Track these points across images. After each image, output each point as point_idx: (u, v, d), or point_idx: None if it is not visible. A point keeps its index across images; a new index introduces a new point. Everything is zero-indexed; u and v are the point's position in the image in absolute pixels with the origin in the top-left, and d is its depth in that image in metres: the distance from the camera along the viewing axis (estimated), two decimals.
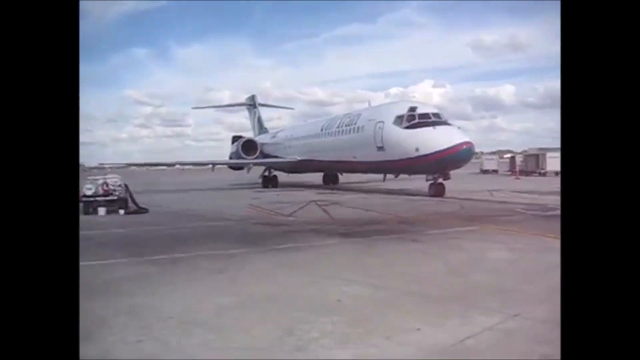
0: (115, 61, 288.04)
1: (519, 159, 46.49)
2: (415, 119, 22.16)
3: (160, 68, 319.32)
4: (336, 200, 21.24)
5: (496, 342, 4.47)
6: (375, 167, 25.68)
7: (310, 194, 25.90)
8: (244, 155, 37.52)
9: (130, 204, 18.75)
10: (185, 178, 55.96)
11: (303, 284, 6.90)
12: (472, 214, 15.21)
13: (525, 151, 56.01)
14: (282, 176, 37.86)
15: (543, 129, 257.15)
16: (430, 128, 21.47)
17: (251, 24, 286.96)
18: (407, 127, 22.17)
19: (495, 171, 52.10)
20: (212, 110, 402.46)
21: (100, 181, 18.49)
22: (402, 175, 26.33)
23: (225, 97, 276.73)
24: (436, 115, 22.49)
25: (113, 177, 19.04)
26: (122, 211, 18.09)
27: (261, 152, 38.46)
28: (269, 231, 12.45)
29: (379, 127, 23.61)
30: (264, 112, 50.90)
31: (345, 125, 27.87)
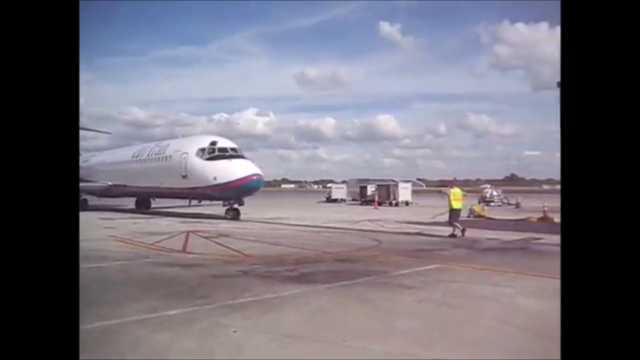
0: None
1: (370, 189, 46.60)
2: (215, 152, 25.17)
3: None
4: (218, 231, 18.17)
5: None
6: (180, 193, 28.31)
7: (164, 222, 24.02)
8: None
9: None
10: None
11: None
12: (405, 249, 13.34)
13: (361, 180, 56.66)
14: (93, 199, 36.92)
15: (361, 161, 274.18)
16: (227, 160, 24.67)
17: None
18: (208, 159, 25.06)
19: (343, 200, 51.82)
20: None
21: None
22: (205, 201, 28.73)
23: None
24: (234, 149, 25.73)
25: None
26: None
27: None
28: (189, 276, 9.27)
29: (184, 158, 26.19)
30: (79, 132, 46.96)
31: (155, 154, 30.03)
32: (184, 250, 13.20)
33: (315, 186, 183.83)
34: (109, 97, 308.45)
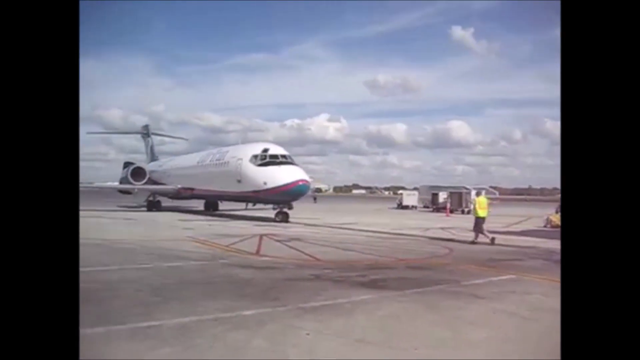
0: None
1: (442, 196, 45.91)
2: (266, 159, 26.74)
3: None
4: (290, 235, 18.44)
5: None
6: (235, 197, 30.27)
7: (239, 225, 24.40)
8: (132, 181, 40.64)
9: None
10: None
11: None
12: (478, 258, 13.08)
13: (435, 187, 55.76)
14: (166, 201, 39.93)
15: (432, 167, 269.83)
16: (277, 167, 26.16)
17: (150, 41, 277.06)
18: (259, 165, 26.72)
19: (414, 207, 51.34)
20: (102, 129, 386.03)
21: None
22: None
23: (115, 116, 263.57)
24: (284, 156, 27.09)
25: None
26: None
27: (149, 178, 41.57)
28: (262, 278, 9.51)
29: (239, 163, 28.02)
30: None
31: (216, 160, 32.34)
32: (257, 253, 13.52)
33: (386, 192, 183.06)
34: (187, 103, 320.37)
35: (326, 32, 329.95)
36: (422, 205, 51.03)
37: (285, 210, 26.14)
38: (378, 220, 30.27)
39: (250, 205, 31.73)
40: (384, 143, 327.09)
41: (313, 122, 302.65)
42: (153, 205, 38.31)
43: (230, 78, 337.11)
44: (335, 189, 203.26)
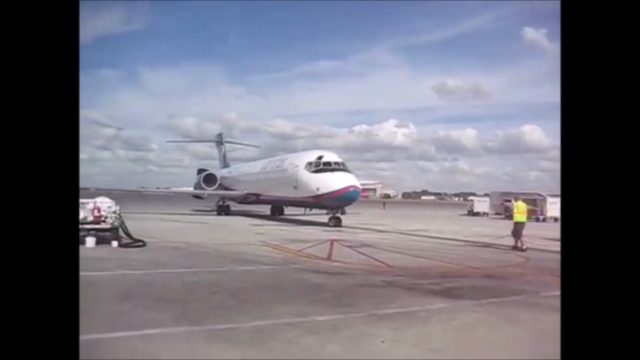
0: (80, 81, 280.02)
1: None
2: (320, 165, 27.79)
3: (124, 90, 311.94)
4: (361, 241, 18.40)
5: None
6: (292, 202, 32.20)
7: (309, 230, 24.48)
8: (204, 186, 43.65)
9: (121, 233, 15.55)
10: (146, 203, 51.96)
11: None
12: (556, 268, 12.50)
13: (505, 194, 53.94)
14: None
15: (503, 173, 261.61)
16: (330, 173, 27.15)
17: (224, 52, 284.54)
18: (313, 172, 27.79)
19: (485, 214, 49.98)
20: (178, 137, 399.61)
21: (90, 205, 15.22)
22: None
23: (189, 124, 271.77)
24: (337, 163, 28.01)
25: (105, 202, 15.70)
26: (115, 243, 14.90)
27: (220, 184, 44.06)
28: (335, 283, 9.55)
29: (295, 170, 29.37)
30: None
31: (276, 167, 34.05)
32: (329, 258, 13.58)
33: (456, 198, 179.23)
34: (257, 111, 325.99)
35: (393, 38, 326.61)
36: (493, 212, 49.54)
37: (337, 215, 27.19)
38: (448, 227, 29.70)
39: (308, 210, 32.69)
40: (453, 149, 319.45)
41: (381, 128, 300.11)
42: (222, 210, 40.43)
43: (299, 86, 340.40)
44: (404, 195, 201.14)
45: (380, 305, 7.56)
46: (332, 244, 17.06)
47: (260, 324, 6.34)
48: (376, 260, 13.19)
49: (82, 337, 5.45)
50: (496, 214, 48.41)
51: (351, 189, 26.30)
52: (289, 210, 38.53)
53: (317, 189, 27.09)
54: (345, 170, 27.77)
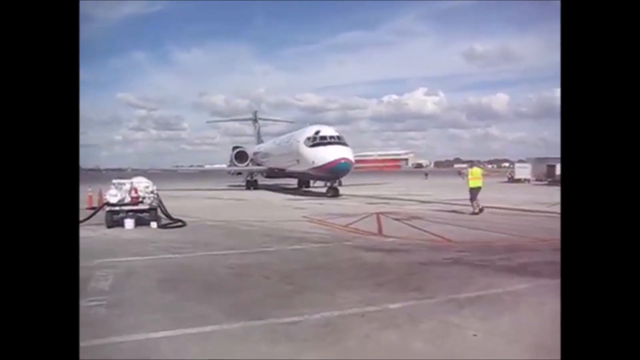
0: (111, 64, 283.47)
1: (559, 168, 42.61)
2: (317, 140, 29.02)
3: (156, 71, 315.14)
4: (408, 213, 17.49)
5: None
6: (296, 175, 35.05)
7: (351, 203, 23.38)
8: (236, 163, 46.74)
9: (159, 214, 14.99)
10: (180, 181, 52.15)
11: None
12: None
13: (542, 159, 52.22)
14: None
15: (537, 139, 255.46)
16: (324, 147, 28.33)
17: (251, 29, 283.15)
18: (311, 146, 29.15)
19: (527, 180, 48.30)
20: (208, 114, 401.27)
21: (127, 186, 14.64)
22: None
23: (220, 101, 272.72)
24: (332, 137, 29.04)
25: (142, 182, 15.10)
26: (154, 224, 14.38)
27: (252, 160, 46.77)
28: (395, 262, 8.73)
29: (297, 145, 31.14)
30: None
31: (286, 142, 36.42)
32: (380, 233, 12.78)
33: (490, 166, 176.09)
34: (285, 85, 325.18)
35: (421, 5, 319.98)
36: (535, 179, 47.96)
37: (335, 186, 28.97)
38: (493, 195, 28.36)
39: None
40: (485, 115, 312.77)
41: (411, 97, 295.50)
42: (251, 184, 42.32)
43: (327, 58, 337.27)
44: (437, 163, 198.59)
45: (455, 288, 6.73)
46: (379, 218, 16.20)
47: (327, 315, 5.56)
48: (432, 234, 12.31)
49: (123, 338, 4.79)
50: (537, 180, 46.91)
51: (342, 160, 27.29)
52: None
53: (313, 162, 28.53)
54: (339, 143, 28.75)
